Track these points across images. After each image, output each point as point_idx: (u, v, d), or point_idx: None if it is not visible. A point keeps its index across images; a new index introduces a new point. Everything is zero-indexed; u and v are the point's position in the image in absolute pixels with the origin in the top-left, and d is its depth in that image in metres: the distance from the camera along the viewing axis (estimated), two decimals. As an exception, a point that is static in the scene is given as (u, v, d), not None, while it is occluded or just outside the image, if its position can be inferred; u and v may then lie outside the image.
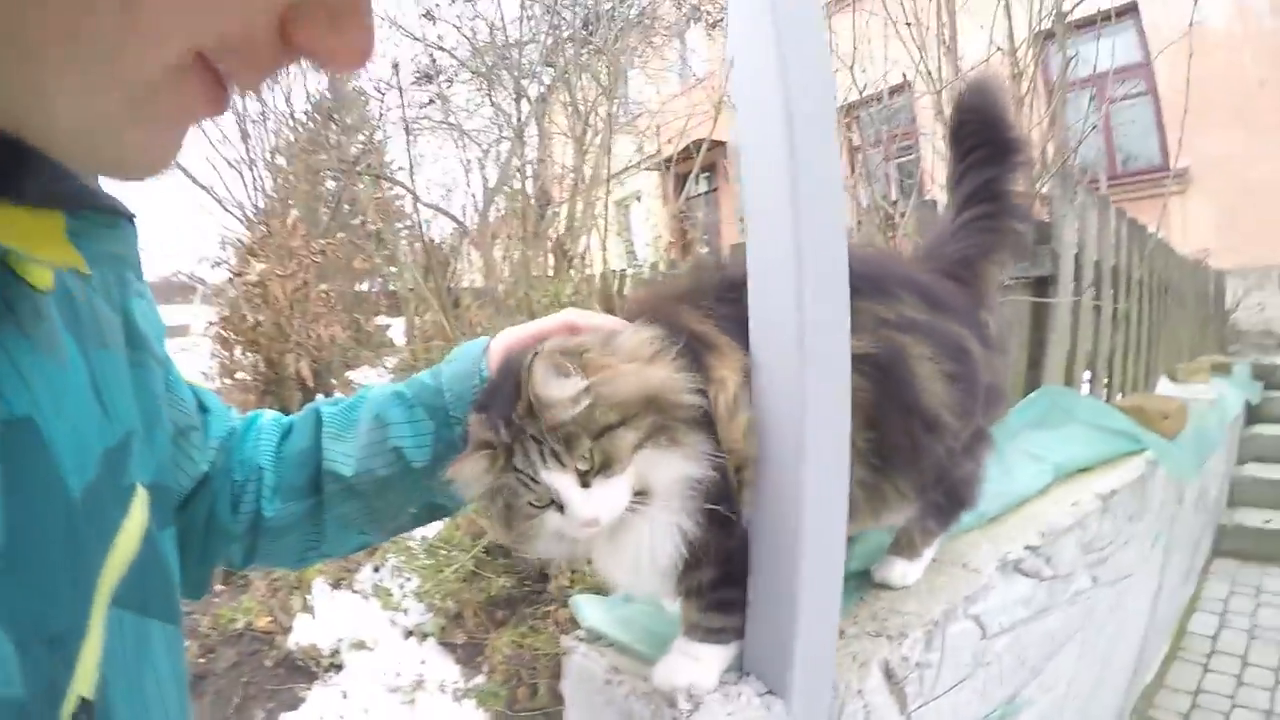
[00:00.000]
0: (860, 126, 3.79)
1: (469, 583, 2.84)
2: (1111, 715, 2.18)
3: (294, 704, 2.68)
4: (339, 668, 2.83)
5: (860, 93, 3.02)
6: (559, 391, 0.59)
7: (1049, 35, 3.15)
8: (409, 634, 3.06)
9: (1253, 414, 4.40)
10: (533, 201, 4.05)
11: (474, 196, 4.37)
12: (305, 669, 2.85)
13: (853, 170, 3.33)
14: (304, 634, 2.93)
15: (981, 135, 0.99)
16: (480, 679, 2.63)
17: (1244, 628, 3.01)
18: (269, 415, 0.76)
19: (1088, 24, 3.49)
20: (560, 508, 0.60)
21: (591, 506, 0.59)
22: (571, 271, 3.81)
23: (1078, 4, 3.17)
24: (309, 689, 2.75)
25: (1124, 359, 2.84)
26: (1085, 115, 3.15)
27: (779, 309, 0.64)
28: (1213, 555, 3.71)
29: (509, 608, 2.90)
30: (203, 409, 0.67)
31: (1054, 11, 2.99)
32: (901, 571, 0.99)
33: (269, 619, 2.96)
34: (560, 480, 0.59)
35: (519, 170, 4.36)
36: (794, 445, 0.63)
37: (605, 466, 0.60)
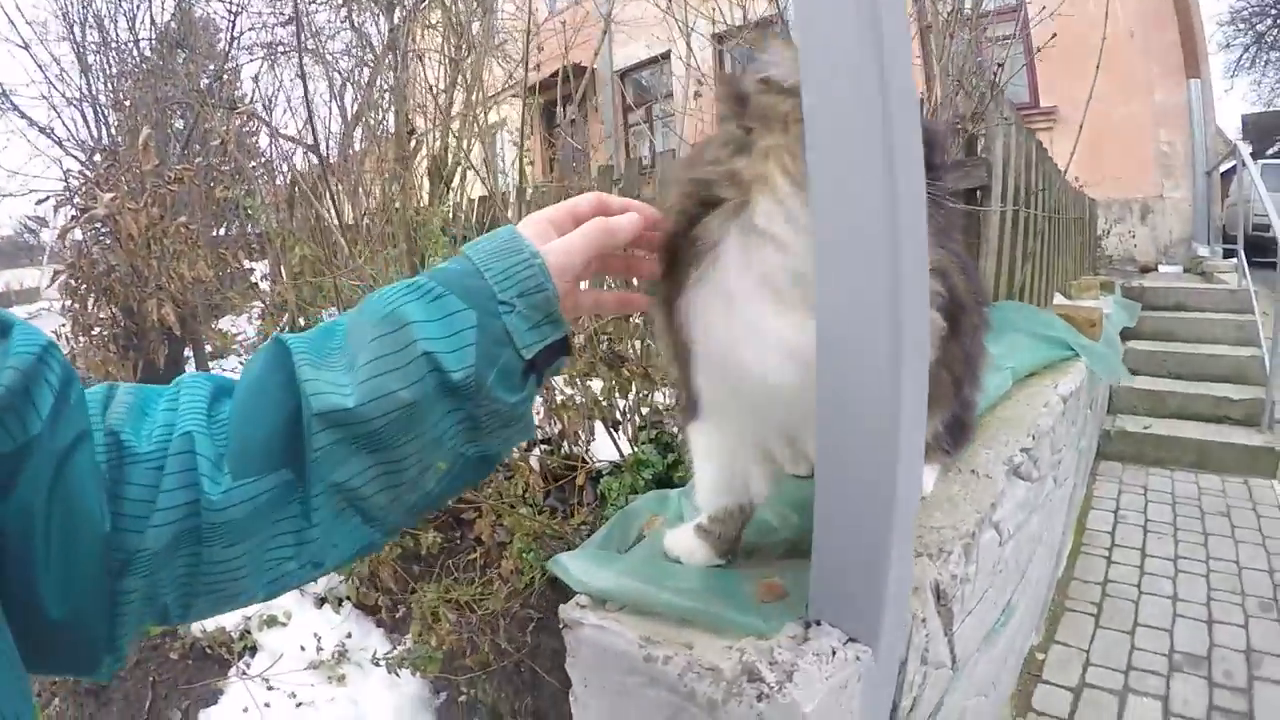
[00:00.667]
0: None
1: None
2: (1039, 609, 2.30)
3: (211, 698, 2.41)
4: (253, 650, 2.57)
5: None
6: None
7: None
8: (322, 601, 2.79)
9: (1125, 332, 4.78)
10: (405, 121, 3.72)
11: (339, 116, 3.99)
12: (216, 657, 2.56)
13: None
14: (208, 619, 2.63)
15: None
16: (409, 642, 2.44)
17: (1138, 523, 3.27)
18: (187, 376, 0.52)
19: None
20: None
21: None
22: (449, 195, 3.54)
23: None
24: (225, 679, 2.48)
25: (1033, 276, 2.94)
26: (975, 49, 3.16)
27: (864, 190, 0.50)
28: (1098, 458, 4.02)
29: (428, 561, 2.70)
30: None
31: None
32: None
33: (166, 609, 2.64)
34: None
35: (385, 93, 4.03)
36: (889, 339, 0.50)
37: None
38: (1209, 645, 2.41)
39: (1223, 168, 7.82)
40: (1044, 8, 2.89)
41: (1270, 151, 14.31)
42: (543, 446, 2.45)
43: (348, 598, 2.75)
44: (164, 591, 0.43)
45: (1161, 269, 6.87)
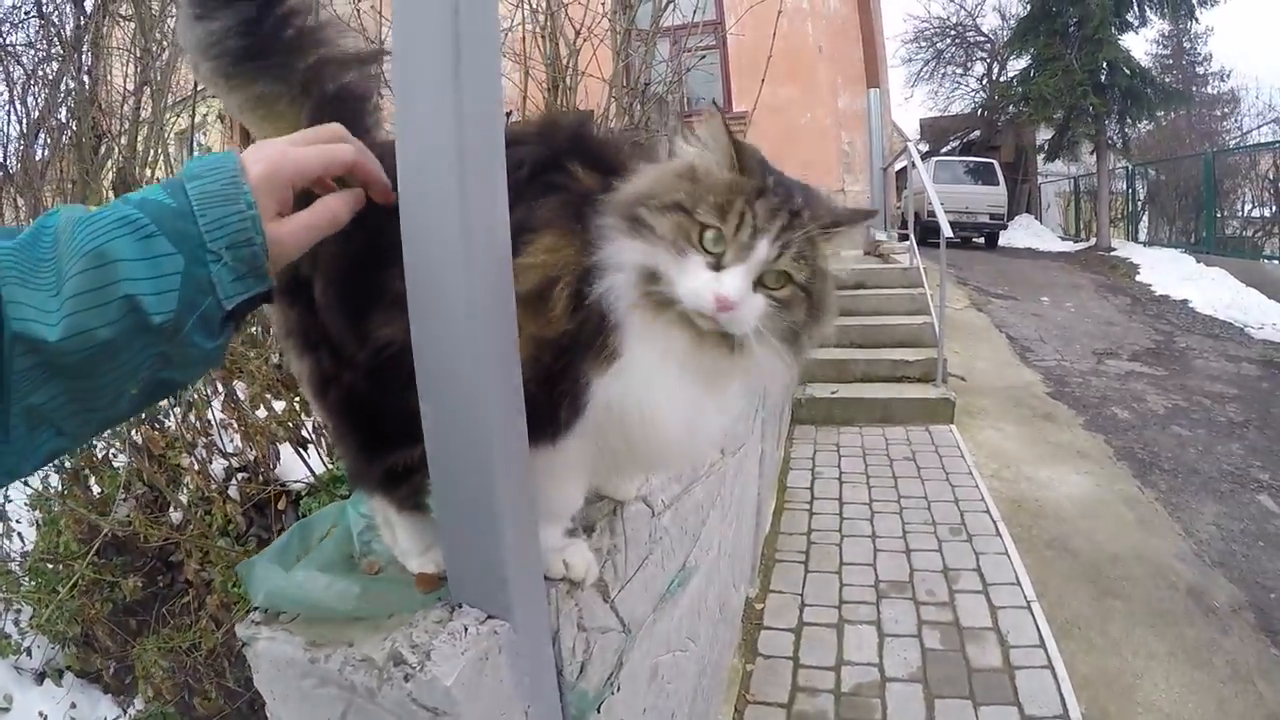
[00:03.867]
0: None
1: (90, 595, 2.34)
2: (748, 563, 2.66)
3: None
4: (-21, 751, 2.18)
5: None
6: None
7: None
8: (42, 676, 2.54)
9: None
10: (92, 127, 3.27)
11: (19, 124, 3.37)
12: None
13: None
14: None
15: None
16: (140, 703, 2.22)
17: (833, 476, 3.76)
18: None
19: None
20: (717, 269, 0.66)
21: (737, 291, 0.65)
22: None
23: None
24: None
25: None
26: (670, 59, 3.47)
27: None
28: (793, 422, 4.61)
29: (143, 612, 2.47)
30: None
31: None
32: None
33: None
34: (755, 256, 0.66)
35: (70, 94, 3.49)
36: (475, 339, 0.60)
37: (782, 288, 0.69)
38: (910, 571, 2.79)
39: (902, 164, 9.28)
40: (736, 27, 3.22)
41: (943, 150, 17.61)
42: (241, 475, 2.34)
43: (67, 667, 2.53)
44: None
45: (843, 253, 8.12)
